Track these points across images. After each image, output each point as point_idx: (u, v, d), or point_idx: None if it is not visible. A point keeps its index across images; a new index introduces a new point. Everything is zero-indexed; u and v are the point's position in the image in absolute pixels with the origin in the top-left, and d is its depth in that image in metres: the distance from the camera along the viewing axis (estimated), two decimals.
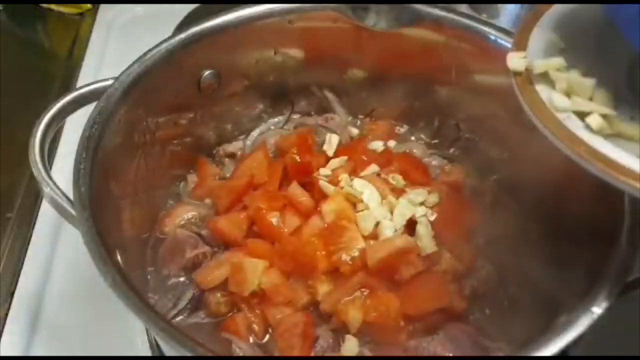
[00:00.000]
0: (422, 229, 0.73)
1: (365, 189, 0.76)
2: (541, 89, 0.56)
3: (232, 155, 0.87)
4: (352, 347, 0.66)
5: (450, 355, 0.65)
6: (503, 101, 0.77)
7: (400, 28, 0.80)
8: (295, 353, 0.66)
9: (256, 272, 0.69)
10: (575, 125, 0.53)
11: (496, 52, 0.75)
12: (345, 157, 0.81)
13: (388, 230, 0.73)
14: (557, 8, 0.64)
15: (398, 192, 0.77)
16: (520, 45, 0.61)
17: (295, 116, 0.92)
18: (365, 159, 0.81)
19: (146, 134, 0.75)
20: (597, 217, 0.63)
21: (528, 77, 0.58)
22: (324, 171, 0.79)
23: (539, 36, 0.61)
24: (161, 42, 0.75)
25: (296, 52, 0.85)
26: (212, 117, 0.85)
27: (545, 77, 0.57)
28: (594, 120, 0.53)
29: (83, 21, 1.25)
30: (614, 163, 0.49)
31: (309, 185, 0.78)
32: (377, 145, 0.85)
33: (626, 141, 0.53)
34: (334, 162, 0.80)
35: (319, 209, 0.75)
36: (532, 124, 0.55)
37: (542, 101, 0.55)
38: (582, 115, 0.54)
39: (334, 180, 0.78)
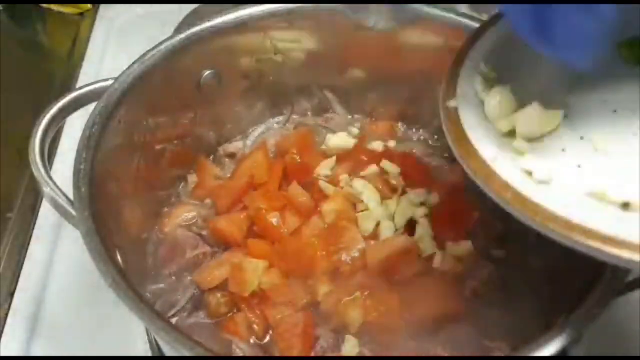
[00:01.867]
0: (422, 229, 0.73)
1: (364, 189, 0.76)
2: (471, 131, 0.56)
3: (232, 155, 0.87)
4: (352, 347, 0.66)
5: (450, 355, 0.66)
6: None
7: (400, 28, 0.80)
8: (295, 353, 0.66)
9: (256, 272, 0.69)
10: (503, 167, 0.53)
11: None
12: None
13: (388, 230, 0.73)
14: (488, 35, 0.64)
15: (398, 192, 0.77)
16: (449, 91, 0.60)
17: (295, 116, 0.92)
18: (365, 159, 0.81)
19: (146, 134, 0.75)
20: None
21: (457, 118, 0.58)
22: (324, 171, 0.79)
23: (468, 74, 0.61)
24: (161, 42, 0.75)
25: (296, 52, 0.85)
26: (212, 117, 0.85)
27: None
28: (519, 144, 0.54)
29: (83, 21, 1.24)
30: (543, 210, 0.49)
31: (309, 185, 0.78)
32: (377, 145, 0.85)
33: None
34: (331, 162, 0.80)
35: (319, 209, 0.75)
36: None
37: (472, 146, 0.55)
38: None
39: (333, 180, 0.78)
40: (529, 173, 0.52)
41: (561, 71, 0.58)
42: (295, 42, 0.84)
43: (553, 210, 0.48)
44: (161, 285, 0.73)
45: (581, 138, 0.56)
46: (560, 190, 0.51)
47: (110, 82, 0.70)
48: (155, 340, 0.76)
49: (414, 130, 0.90)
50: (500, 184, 0.51)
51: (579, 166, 0.53)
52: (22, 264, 0.85)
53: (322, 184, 0.76)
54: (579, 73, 0.54)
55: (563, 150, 0.55)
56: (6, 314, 0.80)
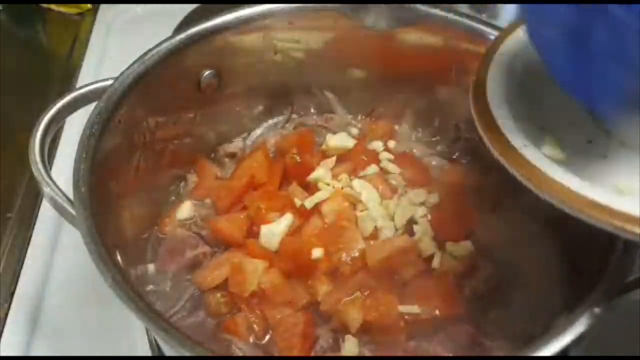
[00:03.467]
0: (422, 229, 0.73)
1: (364, 190, 0.76)
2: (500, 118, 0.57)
3: (232, 155, 0.87)
4: (352, 347, 0.66)
5: (450, 355, 0.66)
6: None
7: (400, 28, 0.80)
8: (295, 353, 0.66)
9: (256, 272, 0.69)
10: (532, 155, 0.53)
11: None
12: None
13: (388, 230, 0.73)
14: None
15: (398, 193, 0.77)
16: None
17: (295, 116, 0.92)
18: (365, 159, 0.81)
19: (146, 134, 0.75)
20: None
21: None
22: (324, 171, 0.79)
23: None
24: (161, 42, 0.75)
25: (296, 52, 0.85)
26: (212, 117, 0.85)
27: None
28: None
29: (83, 21, 1.24)
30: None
31: (309, 185, 0.78)
32: (377, 145, 0.85)
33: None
34: (331, 162, 0.80)
35: (319, 209, 0.75)
36: None
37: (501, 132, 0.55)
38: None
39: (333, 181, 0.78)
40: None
41: None
42: (295, 42, 0.84)
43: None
44: (161, 285, 0.73)
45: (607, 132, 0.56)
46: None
47: (110, 82, 0.70)
48: (155, 340, 0.76)
49: (414, 130, 0.90)
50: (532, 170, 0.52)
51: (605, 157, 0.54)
52: (22, 264, 0.85)
53: (321, 185, 0.76)
54: None
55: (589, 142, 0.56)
56: (6, 314, 0.80)
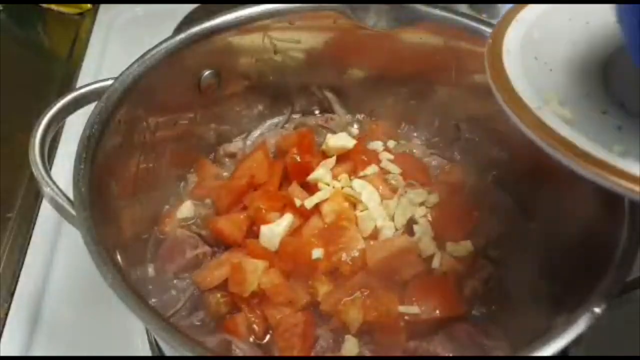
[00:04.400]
0: (422, 230, 0.73)
1: (364, 190, 0.76)
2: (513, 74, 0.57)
3: (232, 155, 0.87)
4: (352, 348, 0.66)
5: (450, 355, 0.66)
6: None
7: (400, 28, 0.80)
8: (295, 353, 0.66)
9: (256, 272, 0.69)
10: (547, 115, 0.53)
11: None
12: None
13: (388, 230, 0.73)
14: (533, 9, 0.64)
15: (398, 193, 0.77)
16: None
17: (295, 116, 0.92)
18: (365, 159, 0.81)
19: (146, 134, 0.75)
20: (596, 216, 0.63)
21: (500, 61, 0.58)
22: (324, 171, 0.79)
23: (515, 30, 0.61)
24: (161, 42, 0.75)
25: (296, 52, 0.85)
26: (212, 117, 0.85)
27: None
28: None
29: (83, 21, 1.25)
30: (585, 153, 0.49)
31: (309, 185, 0.78)
32: (377, 145, 0.85)
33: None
34: (331, 162, 0.80)
35: (319, 209, 0.75)
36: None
37: (516, 91, 0.55)
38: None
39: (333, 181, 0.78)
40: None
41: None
42: (295, 42, 0.84)
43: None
44: (161, 285, 0.73)
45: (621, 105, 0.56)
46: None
47: (110, 82, 0.70)
48: (155, 340, 0.76)
49: (414, 130, 0.90)
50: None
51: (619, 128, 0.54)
52: (22, 264, 0.85)
53: (321, 185, 0.76)
54: None
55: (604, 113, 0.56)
56: (6, 314, 0.80)
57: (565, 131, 0.51)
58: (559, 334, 0.52)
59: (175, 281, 0.74)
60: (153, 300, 0.71)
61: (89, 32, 1.21)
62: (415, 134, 0.90)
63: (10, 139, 0.99)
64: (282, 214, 0.74)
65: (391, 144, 0.86)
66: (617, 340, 0.72)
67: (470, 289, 0.71)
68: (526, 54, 0.60)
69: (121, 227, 0.69)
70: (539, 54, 0.60)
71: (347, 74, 0.88)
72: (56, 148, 0.97)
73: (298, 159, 0.80)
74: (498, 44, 0.60)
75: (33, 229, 0.89)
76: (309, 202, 0.74)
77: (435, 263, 0.71)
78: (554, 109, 0.54)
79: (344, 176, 0.78)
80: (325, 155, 0.82)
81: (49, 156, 0.67)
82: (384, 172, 0.81)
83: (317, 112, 0.92)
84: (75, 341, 0.77)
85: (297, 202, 0.74)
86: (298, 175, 0.79)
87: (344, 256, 0.70)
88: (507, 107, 0.55)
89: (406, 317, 0.67)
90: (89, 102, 0.71)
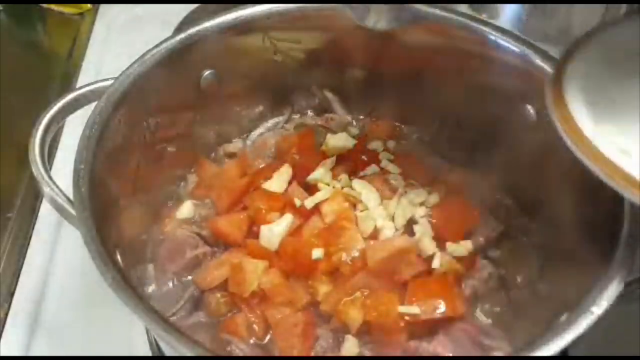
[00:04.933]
0: (422, 229, 0.73)
1: (364, 190, 0.76)
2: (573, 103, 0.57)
3: (232, 155, 0.87)
4: (352, 347, 0.66)
5: (450, 355, 0.65)
6: (503, 101, 0.77)
7: (400, 28, 0.80)
8: (295, 353, 0.66)
9: (256, 272, 0.69)
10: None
11: (496, 52, 0.75)
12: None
13: (388, 230, 0.73)
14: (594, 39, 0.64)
15: (398, 193, 0.77)
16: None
17: (295, 116, 0.92)
18: (365, 159, 0.81)
19: (146, 134, 0.75)
20: (597, 217, 0.63)
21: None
22: (324, 171, 0.79)
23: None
24: (161, 42, 0.75)
25: (296, 52, 0.85)
26: (212, 117, 0.85)
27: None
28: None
29: (83, 21, 1.25)
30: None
31: (309, 185, 0.78)
32: (377, 145, 0.85)
33: None
34: (331, 162, 0.80)
35: (319, 209, 0.75)
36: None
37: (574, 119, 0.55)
38: None
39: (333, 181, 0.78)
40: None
41: None
42: (295, 42, 0.83)
43: None
44: (161, 285, 0.73)
45: None
46: None
47: (110, 82, 0.70)
48: (155, 340, 0.76)
49: (414, 130, 0.90)
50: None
51: None
52: (22, 264, 0.85)
53: (321, 186, 0.76)
54: None
55: None
56: (6, 314, 0.80)
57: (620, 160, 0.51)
58: (559, 334, 0.52)
59: (175, 281, 0.74)
60: (153, 300, 0.71)
61: (89, 32, 1.21)
62: (415, 134, 0.90)
63: (10, 139, 0.99)
64: (282, 214, 0.74)
65: (391, 144, 0.86)
66: (617, 340, 0.72)
67: (470, 289, 0.71)
68: (588, 81, 0.59)
69: (121, 227, 0.69)
70: (600, 84, 0.59)
71: (347, 74, 0.88)
72: (56, 148, 0.97)
73: (298, 159, 0.80)
74: (561, 68, 0.60)
75: (33, 229, 0.89)
76: (309, 202, 0.74)
77: (435, 263, 0.71)
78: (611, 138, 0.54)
79: (343, 176, 0.78)
80: (325, 155, 0.82)
81: (49, 156, 0.67)
82: (384, 172, 0.81)
83: (317, 112, 0.92)
84: (75, 341, 0.78)
85: (297, 202, 0.74)
86: (298, 175, 0.79)
87: (344, 256, 0.70)
88: (561, 127, 0.55)
89: (406, 317, 0.67)
90: (89, 102, 0.71)
